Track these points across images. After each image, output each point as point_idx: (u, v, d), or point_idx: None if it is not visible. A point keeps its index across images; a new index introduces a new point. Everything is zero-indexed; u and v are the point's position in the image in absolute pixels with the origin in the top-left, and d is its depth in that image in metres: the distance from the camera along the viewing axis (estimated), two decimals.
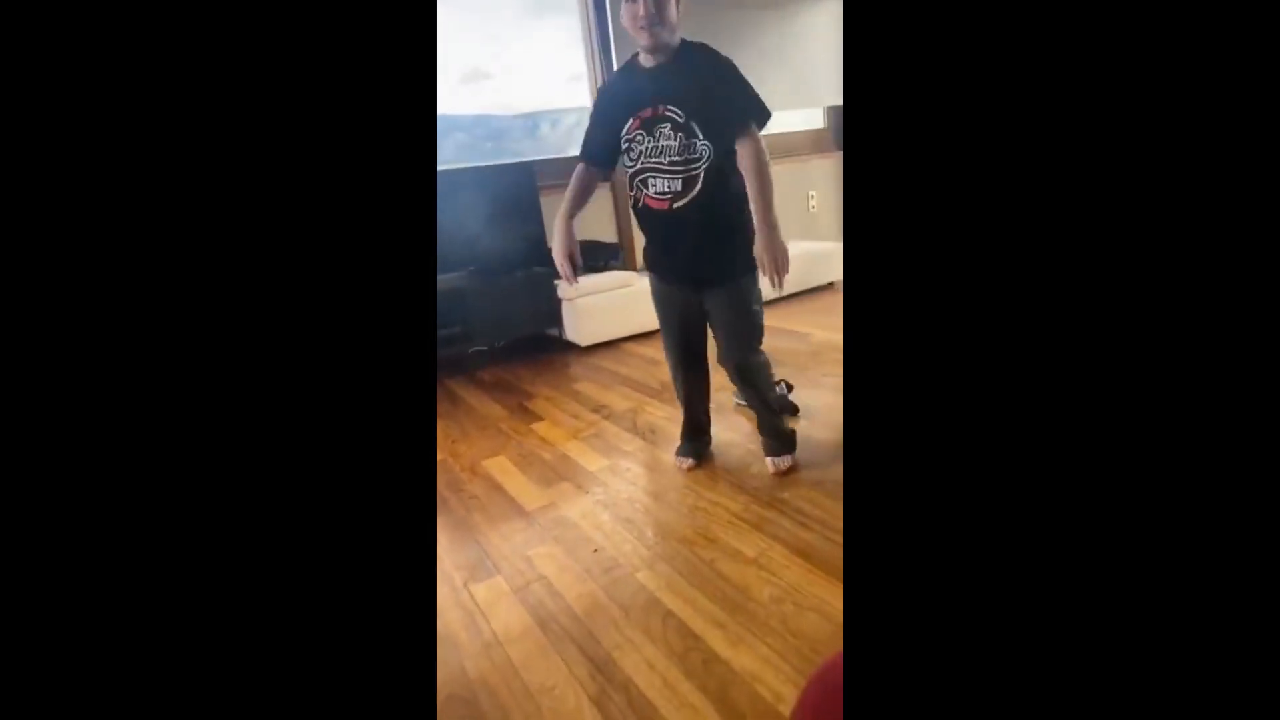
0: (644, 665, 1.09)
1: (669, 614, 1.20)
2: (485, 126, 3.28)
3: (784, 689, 1.00)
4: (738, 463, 1.74)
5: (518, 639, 1.19)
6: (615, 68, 3.12)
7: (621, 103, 1.39)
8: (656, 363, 2.63)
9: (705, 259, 1.45)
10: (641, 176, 1.39)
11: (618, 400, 2.28)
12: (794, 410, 1.99)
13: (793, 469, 1.65)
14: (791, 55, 3.64)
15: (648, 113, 1.36)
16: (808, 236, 3.80)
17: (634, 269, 3.22)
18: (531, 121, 3.38)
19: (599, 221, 3.28)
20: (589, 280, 2.81)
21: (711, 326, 1.56)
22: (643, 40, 1.32)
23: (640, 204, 1.40)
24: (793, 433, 1.67)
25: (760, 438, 1.71)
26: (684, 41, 1.37)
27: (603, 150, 1.44)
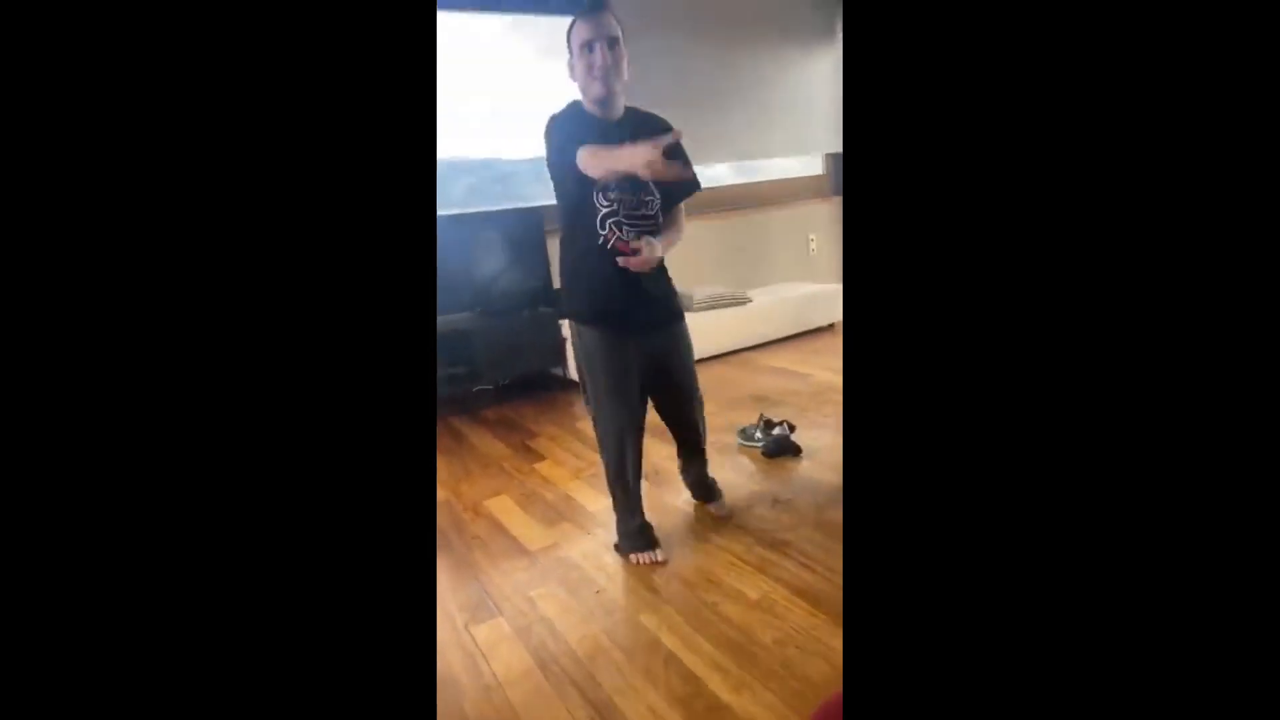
0: (646, 711, 1.07)
1: (671, 657, 1.19)
2: (493, 170, 3.38)
3: None
4: (742, 504, 1.74)
5: (518, 681, 1.18)
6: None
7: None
8: None
9: (660, 303, 1.49)
10: (615, 219, 1.38)
11: None
12: (796, 451, 2.00)
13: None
14: (792, 105, 3.76)
15: None
16: (808, 279, 3.86)
17: None
18: (539, 166, 3.47)
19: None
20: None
21: (662, 371, 1.50)
22: (595, 90, 1.32)
23: (612, 245, 1.37)
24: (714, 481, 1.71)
25: (688, 482, 1.71)
26: (626, 106, 1.40)
27: (564, 203, 1.40)
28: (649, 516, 1.59)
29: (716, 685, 1.11)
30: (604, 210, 1.37)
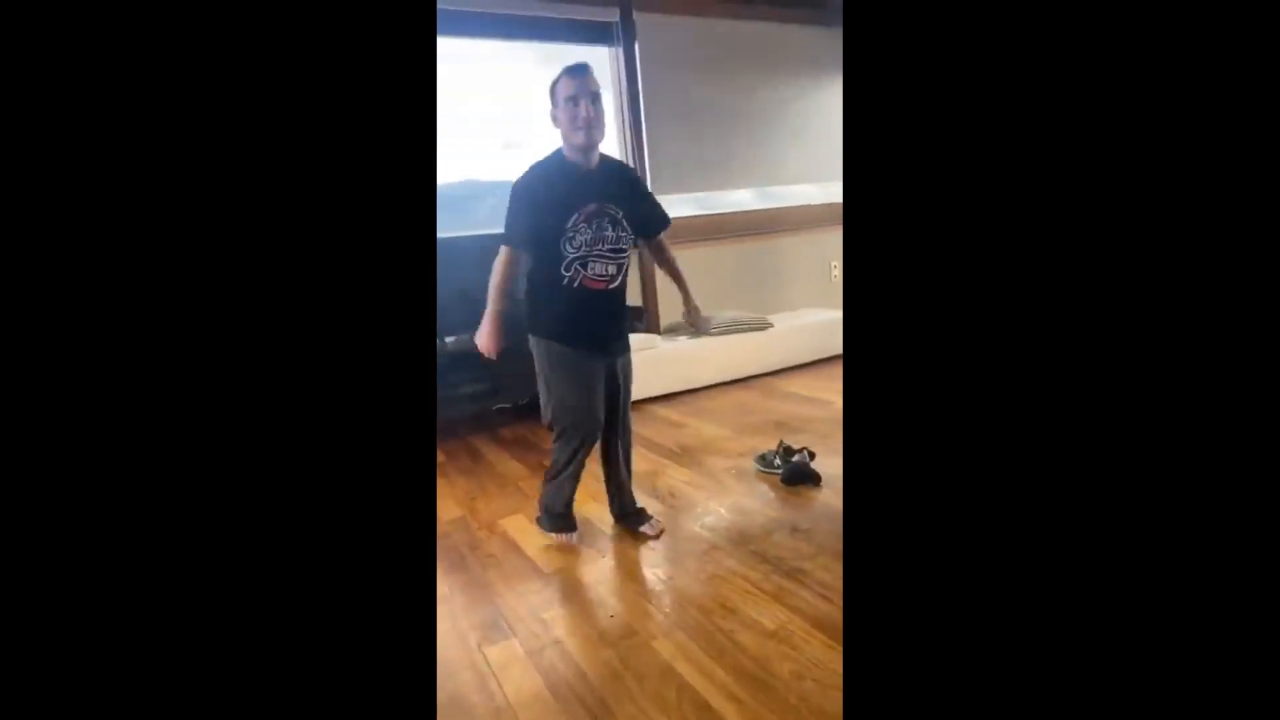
0: None
1: (685, 685, 1.17)
2: None
3: None
4: (760, 530, 1.72)
5: (529, 704, 1.16)
6: (644, 139, 3.29)
7: (569, 196, 1.54)
8: (678, 425, 2.63)
9: (621, 330, 1.70)
10: (582, 260, 1.56)
11: (638, 462, 2.28)
12: (816, 479, 1.97)
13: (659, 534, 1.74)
14: (812, 133, 3.79)
15: (592, 208, 1.55)
16: (829, 305, 3.85)
17: (657, 332, 3.28)
18: None
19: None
20: None
21: (613, 390, 1.67)
22: (578, 140, 1.52)
23: (579, 283, 1.56)
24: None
25: (617, 512, 1.79)
26: (601, 155, 1.61)
27: (533, 238, 1.55)
28: (665, 535, 1.62)
29: (731, 716, 1.08)
30: (570, 256, 1.55)
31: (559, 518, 1.72)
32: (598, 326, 1.60)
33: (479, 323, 1.57)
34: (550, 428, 1.66)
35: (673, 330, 3.27)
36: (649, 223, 1.68)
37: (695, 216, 3.56)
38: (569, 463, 1.65)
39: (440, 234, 2.98)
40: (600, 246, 1.57)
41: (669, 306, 3.37)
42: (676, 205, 3.52)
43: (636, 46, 3.24)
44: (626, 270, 1.63)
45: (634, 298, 3.42)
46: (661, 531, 1.75)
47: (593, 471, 2.27)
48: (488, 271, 1.60)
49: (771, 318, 3.38)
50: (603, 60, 3.27)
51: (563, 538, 1.73)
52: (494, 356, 1.61)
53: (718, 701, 1.12)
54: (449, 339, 2.72)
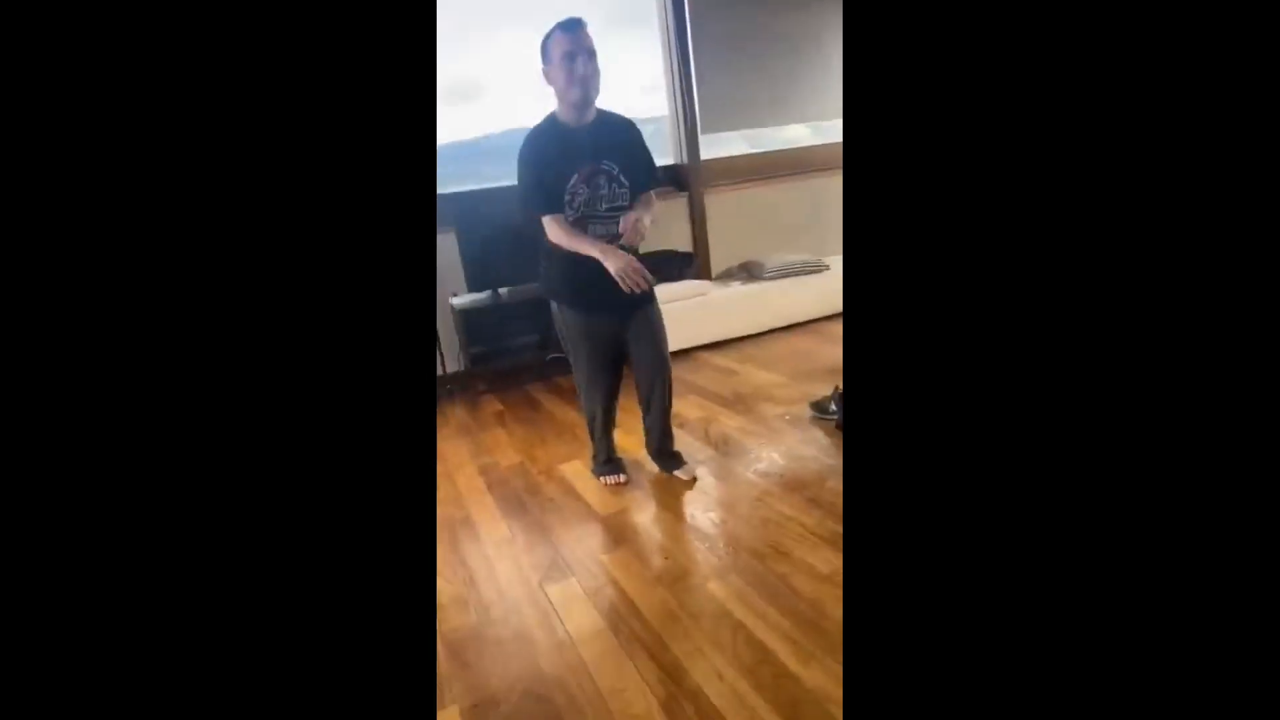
0: (713, 675, 1.09)
1: (739, 625, 1.20)
2: None
3: None
4: (814, 476, 1.71)
5: (590, 640, 1.22)
6: (694, 79, 3.17)
7: (563, 159, 1.53)
8: (730, 372, 2.62)
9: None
10: (582, 224, 1.56)
11: (690, 409, 2.29)
12: None
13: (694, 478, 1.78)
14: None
15: (588, 168, 1.54)
16: None
17: (708, 278, 3.23)
18: None
19: (674, 232, 3.31)
20: (664, 289, 2.84)
21: (638, 345, 1.69)
22: (575, 95, 1.50)
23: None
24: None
25: (652, 452, 1.84)
26: (597, 109, 1.58)
27: (557, 200, 1.55)
28: (721, 476, 1.66)
29: (785, 655, 1.11)
30: (571, 218, 1.55)
31: (605, 463, 1.85)
32: (603, 288, 1.53)
33: (530, 276, 1.58)
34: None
35: (725, 276, 3.21)
36: (634, 173, 1.62)
37: (746, 155, 3.43)
38: (592, 415, 1.76)
39: (491, 185, 2.99)
40: (599, 206, 1.56)
41: (720, 252, 3.31)
42: (727, 144, 3.40)
43: None
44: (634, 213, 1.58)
45: (684, 243, 3.38)
46: (694, 478, 1.78)
47: (628, 404, 2.30)
48: (534, 223, 1.60)
49: (827, 260, 3.27)
50: None
51: (611, 479, 1.83)
52: (643, 283, 1.50)
53: (772, 642, 1.15)
54: (502, 290, 2.76)
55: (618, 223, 1.56)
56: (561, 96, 1.53)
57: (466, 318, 2.68)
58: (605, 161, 1.56)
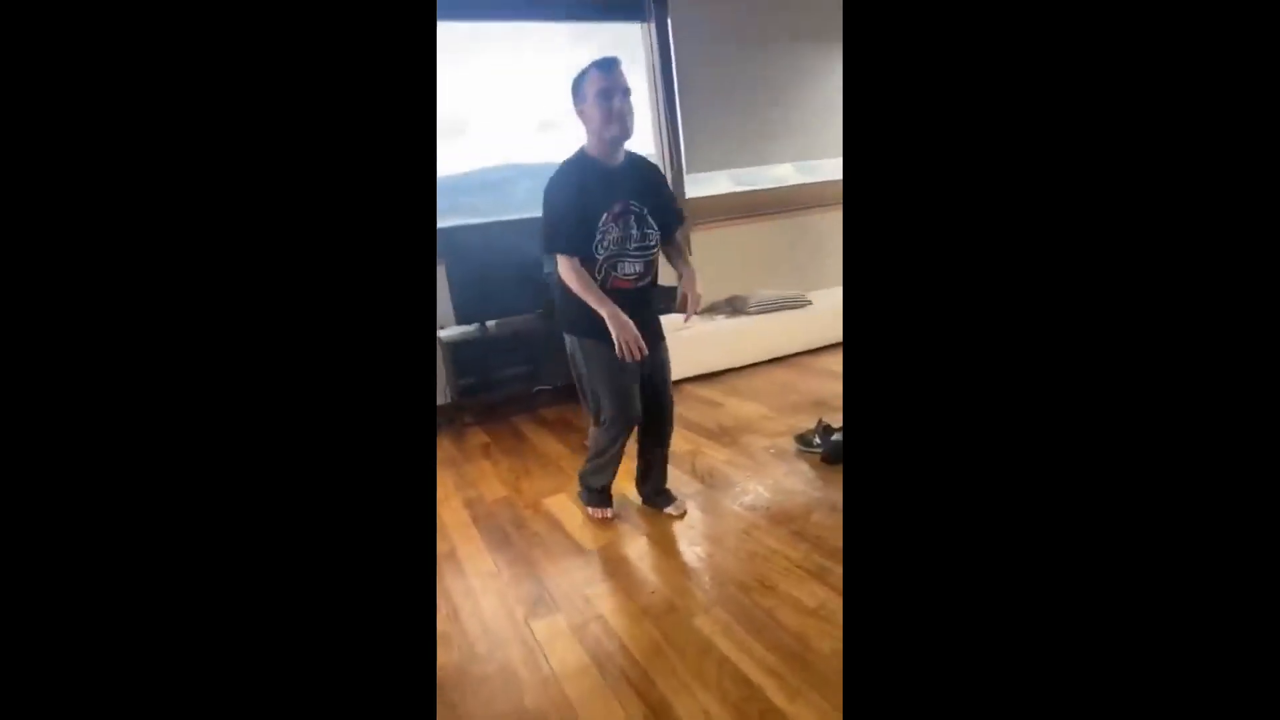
0: (700, 713, 1.08)
1: (725, 660, 1.19)
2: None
3: None
4: (800, 509, 1.72)
5: (575, 676, 1.21)
6: (678, 116, 3.25)
7: (597, 196, 1.55)
8: (716, 405, 2.64)
9: (649, 323, 1.68)
10: (611, 262, 1.59)
11: (677, 442, 2.30)
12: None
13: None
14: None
15: (618, 207, 1.56)
16: None
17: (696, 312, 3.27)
18: None
19: (661, 268, 3.36)
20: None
21: (652, 380, 1.70)
22: (613, 131, 1.52)
23: (609, 285, 1.58)
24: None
25: (646, 492, 1.83)
26: (626, 152, 1.62)
27: (585, 242, 1.56)
28: (708, 509, 1.64)
29: (772, 691, 1.11)
30: (601, 257, 1.57)
31: (597, 494, 1.80)
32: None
33: (519, 307, 1.58)
34: (597, 420, 1.69)
35: (710, 310, 3.26)
36: (661, 216, 1.65)
37: (732, 193, 3.51)
38: (610, 447, 1.70)
39: (479, 219, 3.03)
40: (628, 245, 1.58)
41: (705, 287, 3.35)
42: (713, 182, 3.48)
43: (670, 20, 3.18)
44: (655, 266, 1.64)
45: (668, 276, 3.43)
46: (684, 513, 1.78)
47: (629, 451, 2.30)
48: (525, 254, 1.61)
49: (810, 294, 3.33)
50: (634, 36, 3.23)
51: (600, 512, 1.80)
52: (642, 352, 1.54)
53: (757, 676, 1.14)
54: (490, 323, 2.78)
55: (644, 262, 1.60)
56: (598, 134, 1.54)
57: (454, 350, 2.69)
58: (634, 202, 1.58)
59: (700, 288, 1.63)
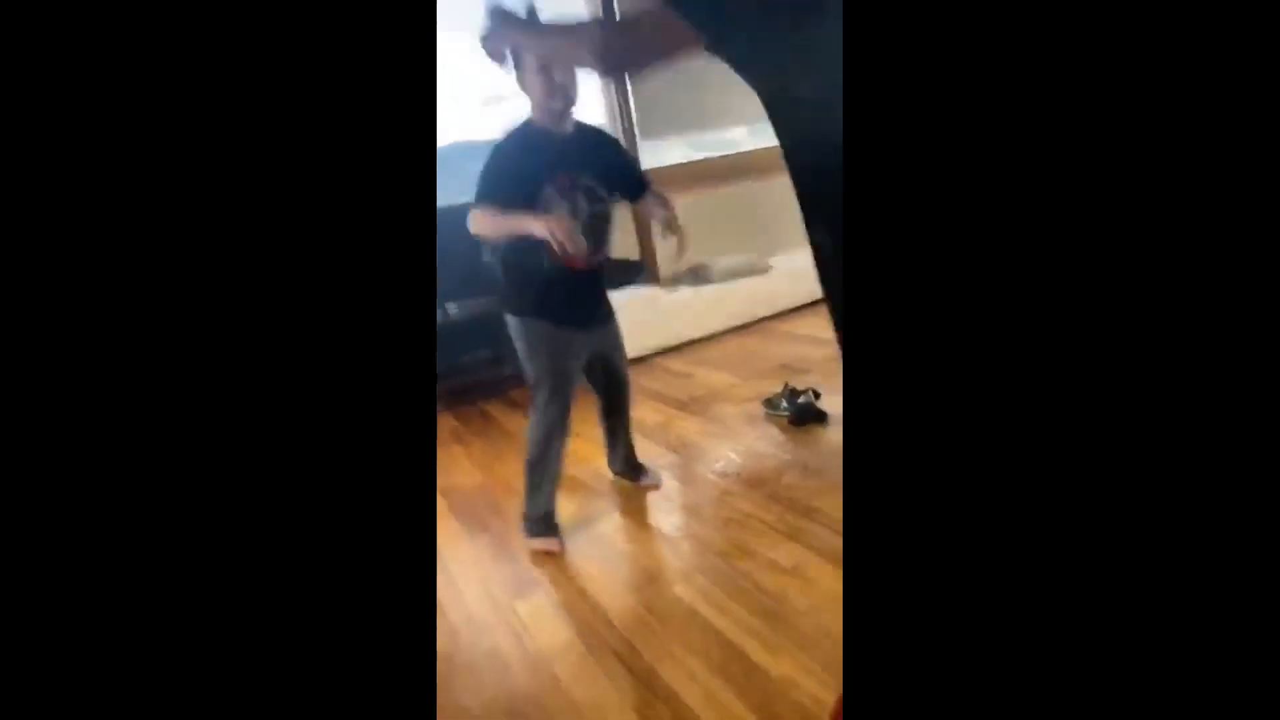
0: (686, 677, 1.11)
1: (707, 625, 1.23)
2: None
3: (826, 696, 1.02)
4: (771, 472, 1.76)
5: (562, 654, 1.23)
6: (628, 81, 3.20)
7: (538, 164, 1.43)
8: (685, 375, 2.66)
9: (600, 303, 1.63)
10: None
11: (649, 414, 2.32)
12: (822, 418, 2.00)
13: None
14: None
15: (565, 181, 1.45)
16: None
17: (657, 284, 3.27)
18: None
19: (621, 240, 3.34)
20: (614, 297, 2.86)
21: (604, 360, 1.66)
22: (556, 105, 1.42)
23: (554, 263, 1.45)
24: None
25: (616, 467, 1.83)
26: (574, 120, 1.50)
27: (507, 200, 1.42)
28: (682, 479, 1.64)
29: (753, 651, 1.14)
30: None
31: (539, 522, 1.61)
32: (576, 305, 1.52)
33: (483, 291, 1.50)
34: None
35: (673, 281, 3.26)
36: (628, 187, 1.59)
37: (686, 162, 3.48)
38: (545, 445, 1.57)
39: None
40: (576, 222, 1.48)
41: (668, 258, 3.35)
42: (668, 149, 3.44)
43: None
44: (606, 243, 1.55)
45: (631, 251, 3.40)
46: (659, 484, 1.79)
47: (585, 414, 2.31)
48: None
49: (770, 260, 3.35)
50: None
51: (540, 544, 1.60)
52: (576, 247, 1.37)
53: (739, 638, 1.18)
54: (450, 305, 2.73)
55: (593, 241, 1.49)
56: (541, 106, 1.43)
57: None
58: (583, 175, 1.48)
59: (683, 227, 1.57)
